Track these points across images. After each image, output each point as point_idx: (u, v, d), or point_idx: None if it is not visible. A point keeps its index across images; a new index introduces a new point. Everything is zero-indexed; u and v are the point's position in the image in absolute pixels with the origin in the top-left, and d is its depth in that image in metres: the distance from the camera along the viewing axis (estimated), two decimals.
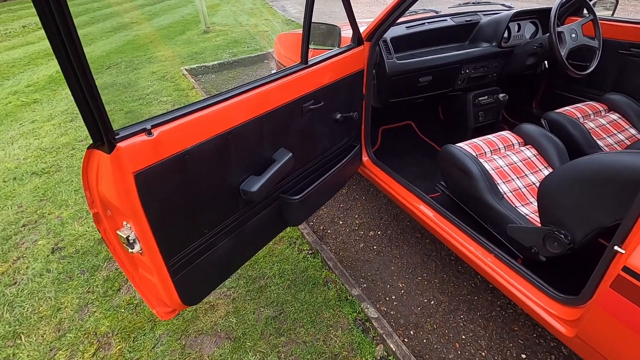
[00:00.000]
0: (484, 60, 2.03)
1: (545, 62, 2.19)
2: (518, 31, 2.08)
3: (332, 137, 1.58)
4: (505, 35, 2.03)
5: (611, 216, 0.97)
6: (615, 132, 1.87)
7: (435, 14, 2.19)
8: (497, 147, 1.64)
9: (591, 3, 1.95)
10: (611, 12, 2.24)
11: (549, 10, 2.04)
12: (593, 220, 1.02)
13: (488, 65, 2.06)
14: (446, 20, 2.07)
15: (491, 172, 1.51)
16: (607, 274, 0.91)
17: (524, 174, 1.55)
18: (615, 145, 1.85)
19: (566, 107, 1.94)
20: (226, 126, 1.04)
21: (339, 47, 1.57)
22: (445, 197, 1.81)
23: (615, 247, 0.87)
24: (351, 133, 1.71)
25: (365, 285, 1.78)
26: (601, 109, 1.97)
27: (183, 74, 4.50)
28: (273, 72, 1.26)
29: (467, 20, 2.09)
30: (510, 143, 1.66)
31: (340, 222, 2.19)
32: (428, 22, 2.03)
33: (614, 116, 1.94)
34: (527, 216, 1.37)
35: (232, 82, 4.40)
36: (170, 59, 5.20)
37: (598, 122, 1.89)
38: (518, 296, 1.19)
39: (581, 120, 1.88)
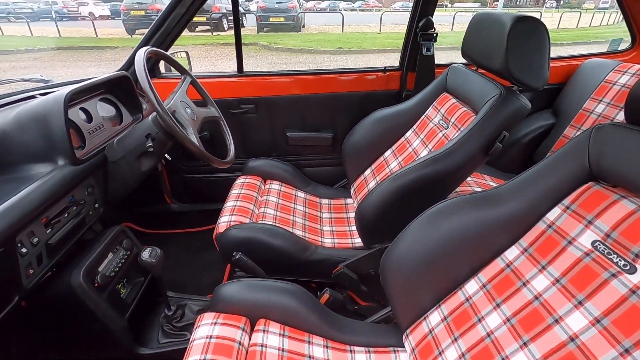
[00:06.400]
0: (62, 197, 0.94)
1: (167, 155, 1.58)
2: (89, 120, 1.11)
3: None
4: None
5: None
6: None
7: None
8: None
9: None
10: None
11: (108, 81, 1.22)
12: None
13: (77, 201, 1.01)
14: None
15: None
16: None
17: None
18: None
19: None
20: None
21: None
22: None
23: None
24: None
25: None
26: (258, 182, 1.53)
27: None
28: None
29: None
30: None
31: None
32: None
33: (274, 185, 1.61)
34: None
35: None
36: None
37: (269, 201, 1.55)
38: None
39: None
